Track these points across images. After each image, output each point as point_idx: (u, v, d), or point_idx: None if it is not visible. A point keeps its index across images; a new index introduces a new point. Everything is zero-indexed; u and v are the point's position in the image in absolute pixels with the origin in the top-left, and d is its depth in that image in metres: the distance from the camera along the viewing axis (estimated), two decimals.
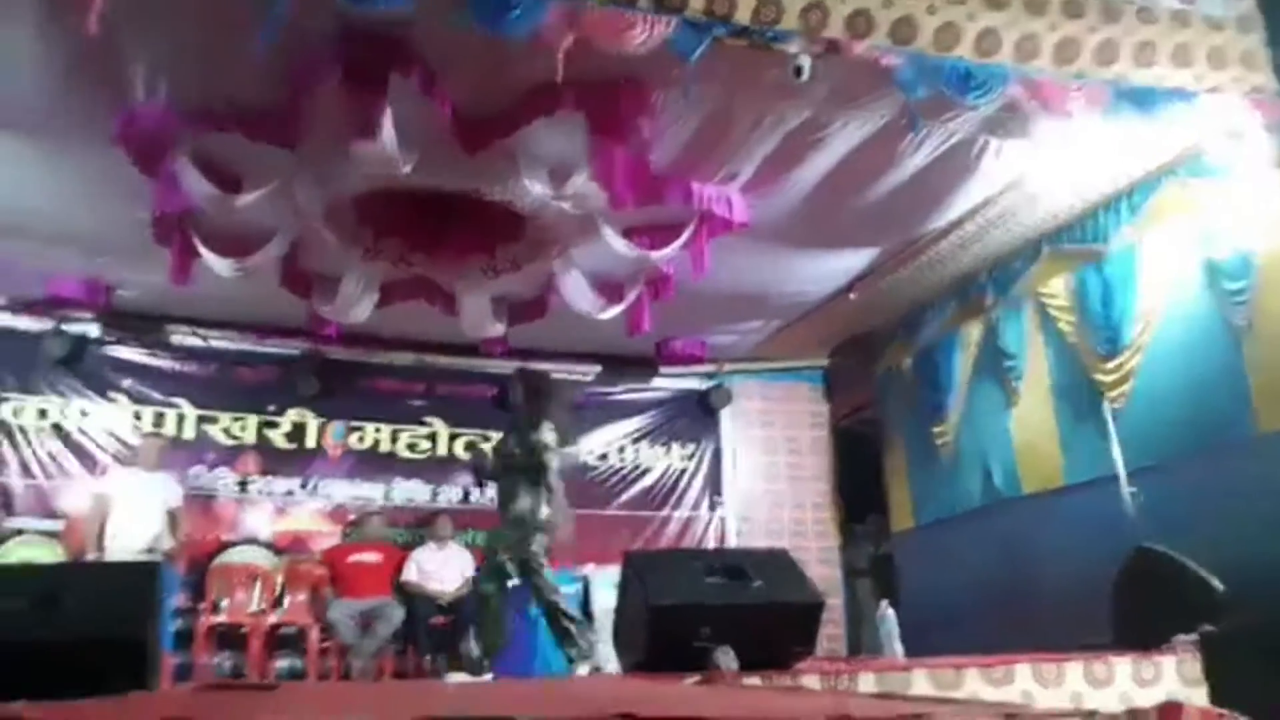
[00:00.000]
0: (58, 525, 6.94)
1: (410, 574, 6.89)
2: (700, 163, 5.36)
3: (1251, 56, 4.57)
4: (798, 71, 4.13)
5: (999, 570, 6.62)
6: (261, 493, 7.69)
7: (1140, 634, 4.33)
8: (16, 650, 2.89)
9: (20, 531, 6.85)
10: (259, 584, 6.74)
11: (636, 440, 8.75)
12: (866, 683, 3.57)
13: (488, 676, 4.64)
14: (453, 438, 8.15)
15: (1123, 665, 3.92)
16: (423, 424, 8.19)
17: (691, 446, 8.85)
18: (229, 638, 6.58)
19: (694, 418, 8.89)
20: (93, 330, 7.42)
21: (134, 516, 5.86)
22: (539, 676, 5.62)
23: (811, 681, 3.54)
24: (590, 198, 5.48)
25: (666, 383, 8.87)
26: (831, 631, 7.91)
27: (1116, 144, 5.16)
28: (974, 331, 7.33)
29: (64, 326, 7.26)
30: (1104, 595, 4.92)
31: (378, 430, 8.06)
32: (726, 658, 3.60)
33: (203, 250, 5.75)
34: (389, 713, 2.11)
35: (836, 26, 4.08)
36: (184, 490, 6.55)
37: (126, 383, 7.55)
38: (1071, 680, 3.80)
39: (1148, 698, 3.75)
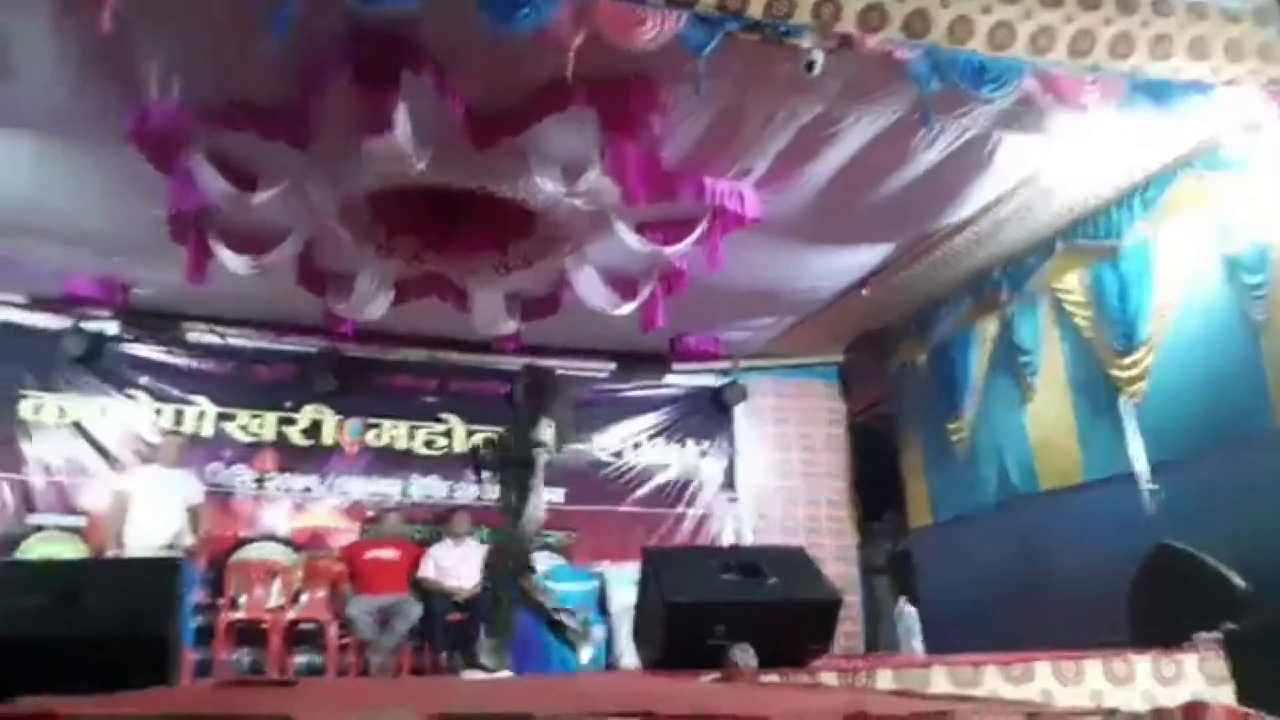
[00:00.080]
0: (79, 521, 7.00)
1: (427, 570, 6.91)
2: (713, 158, 5.34)
3: (1269, 49, 4.52)
4: (810, 66, 4.12)
5: (1017, 567, 6.59)
6: (280, 489, 7.73)
7: (1160, 632, 4.30)
8: (38, 646, 2.92)
9: (41, 528, 6.92)
10: (277, 580, 6.77)
11: (651, 437, 8.73)
12: (884, 680, 3.56)
13: (505, 673, 4.64)
14: (469, 434, 8.15)
15: (1143, 663, 3.90)
16: (439, 420, 8.21)
17: (706, 443, 8.81)
18: (249, 634, 6.61)
19: (708, 414, 8.85)
20: (110, 328, 7.47)
21: (154, 513, 5.92)
22: (555, 673, 5.63)
23: (829, 679, 3.53)
24: (603, 194, 5.47)
25: (680, 379, 8.85)
26: (849, 629, 7.89)
27: (1132, 137, 5.11)
28: (989, 327, 7.28)
29: (82, 324, 7.31)
30: (1122, 593, 4.90)
31: (394, 427, 8.09)
32: (745, 655, 3.59)
33: (218, 248, 5.79)
34: (408, 708, 2.12)
35: (849, 20, 4.07)
36: (203, 487, 6.62)
37: (145, 380, 7.60)
38: (1091, 678, 3.78)
39: (1170, 696, 3.73)
